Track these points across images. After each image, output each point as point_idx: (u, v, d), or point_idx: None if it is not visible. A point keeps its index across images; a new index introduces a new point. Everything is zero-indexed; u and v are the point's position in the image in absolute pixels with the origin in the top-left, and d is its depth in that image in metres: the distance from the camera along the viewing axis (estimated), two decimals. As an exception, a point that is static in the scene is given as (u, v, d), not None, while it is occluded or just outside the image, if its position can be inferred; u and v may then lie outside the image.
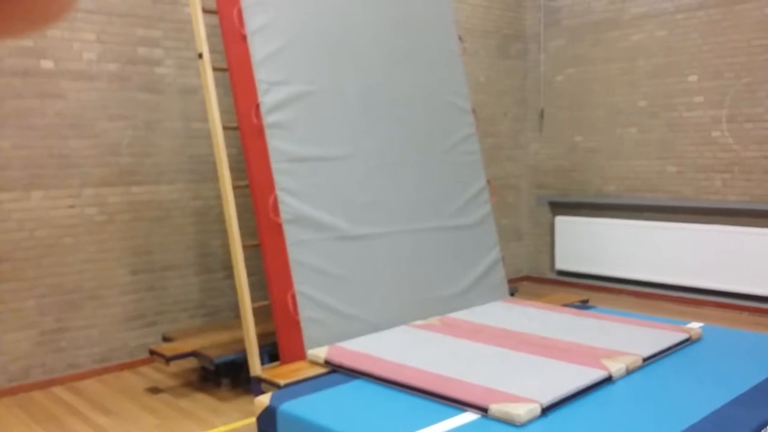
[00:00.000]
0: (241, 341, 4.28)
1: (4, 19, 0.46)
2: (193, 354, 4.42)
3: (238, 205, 4.20)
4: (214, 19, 4.42)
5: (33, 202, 4.53)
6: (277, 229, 4.18)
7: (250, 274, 4.16)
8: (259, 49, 4.32)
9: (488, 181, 5.47)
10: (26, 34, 0.50)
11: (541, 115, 7.56)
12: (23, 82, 4.47)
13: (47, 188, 4.58)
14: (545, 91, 7.54)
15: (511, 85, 7.58)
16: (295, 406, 3.22)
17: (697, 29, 6.28)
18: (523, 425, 2.89)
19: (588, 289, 6.90)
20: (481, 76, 7.18)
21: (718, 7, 6.14)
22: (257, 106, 4.25)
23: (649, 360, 3.67)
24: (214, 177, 5.29)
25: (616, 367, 3.45)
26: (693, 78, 6.33)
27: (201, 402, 4.26)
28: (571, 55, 7.29)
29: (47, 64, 4.57)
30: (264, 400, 3.34)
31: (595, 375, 3.36)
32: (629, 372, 3.51)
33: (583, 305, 5.43)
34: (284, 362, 4.01)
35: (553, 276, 7.54)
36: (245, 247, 4.20)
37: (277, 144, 4.28)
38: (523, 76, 7.70)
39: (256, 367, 3.98)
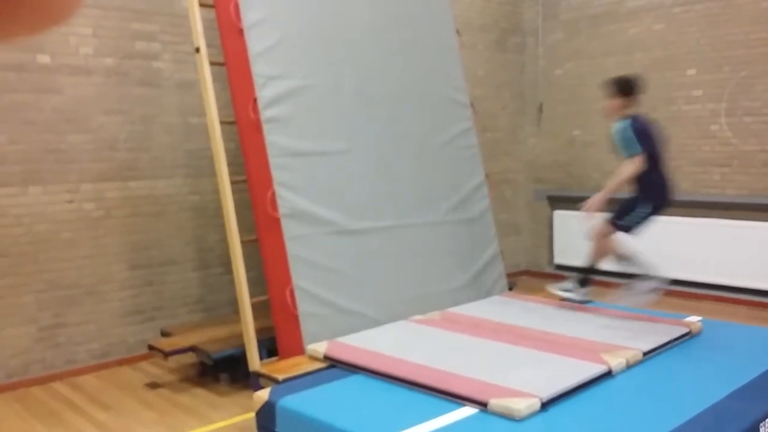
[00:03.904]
0: (239, 336, 4.27)
1: (8, 20, 0.45)
2: (192, 349, 4.41)
3: (235, 201, 4.19)
4: (212, 13, 4.39)
5: (30, 197, 4.51)
6: (275, 224, 4.17)
7: (248, 270, 4.14)
8: (256, 43, 4.29)
9: (486, 176, 5.46)
10: (30, 36, 0.48)
11: (540, 109, 7.55)
12: (19, 77, 4.44)
13: (45, 183, 4.56)
14: (543, 86, 7.52)
15: (510, 80, 7.56)
16: (294, 401, 3.21)
17: (695, 22, 6.27)
18: (522, 420, 2.89)
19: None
20: (480, 70, 7.16)
21: (716, 0, 6.12)
22: (254, 101, 4.22)
23: (649, 354, 3.67)
24: (211, 172, 5.24)
25: (616, 362, 3.45)
26: (691, 71, 6.32)
27: (200, 397, 4.26)
28: (570, 49, 7.27)
29: (43, 58, 4.54)
30: (263, 395, 3.33)
31: (595, 369, 3.35)
32: (629, 366, 3.50)
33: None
34: (283, 357, 4.01)
35: (552, 270, 7.53)
36: (243, 243, 4.19)
37: (274, 139, 4.26)
38: (521, 71, 7.67)
39: (255, 363, 3.97)
